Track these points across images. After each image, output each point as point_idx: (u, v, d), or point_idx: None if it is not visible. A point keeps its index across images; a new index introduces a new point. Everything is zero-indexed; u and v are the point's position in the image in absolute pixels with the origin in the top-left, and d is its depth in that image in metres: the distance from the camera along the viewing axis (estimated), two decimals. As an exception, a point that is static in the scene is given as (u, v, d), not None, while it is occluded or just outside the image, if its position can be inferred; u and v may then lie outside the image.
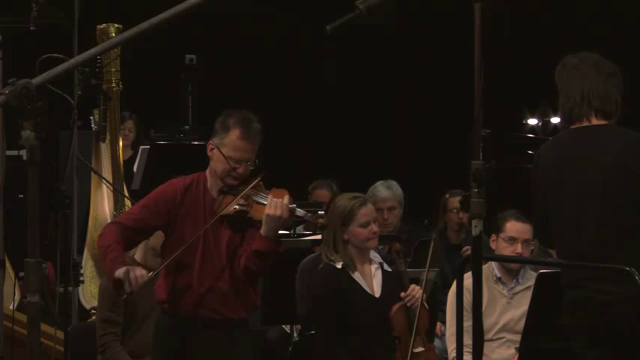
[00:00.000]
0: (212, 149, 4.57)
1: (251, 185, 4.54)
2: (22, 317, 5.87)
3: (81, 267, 6.58)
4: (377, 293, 5.29)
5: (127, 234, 4.54)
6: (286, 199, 4.45)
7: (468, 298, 4.26)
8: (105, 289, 5.43)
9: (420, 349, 5.29)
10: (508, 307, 5.56)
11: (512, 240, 5.54)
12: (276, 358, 6.39)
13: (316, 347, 5.30)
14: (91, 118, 7.06)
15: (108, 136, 6.91)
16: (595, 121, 4.22)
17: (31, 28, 5.70)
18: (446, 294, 5.72)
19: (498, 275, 5.60)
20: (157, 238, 4.90)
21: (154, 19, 2.98)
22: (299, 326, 6.29)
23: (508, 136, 7.86)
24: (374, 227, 5.29)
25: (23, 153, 3.97)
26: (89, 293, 6.79)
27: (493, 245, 5.62)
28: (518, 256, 5.54)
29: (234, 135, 4.53)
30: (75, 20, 6.40)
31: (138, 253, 5.42)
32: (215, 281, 4.54)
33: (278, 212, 4.41)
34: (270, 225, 4.43)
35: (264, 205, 4.47)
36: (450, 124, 10.75)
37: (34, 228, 2.89)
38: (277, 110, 11.26)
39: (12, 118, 5.50)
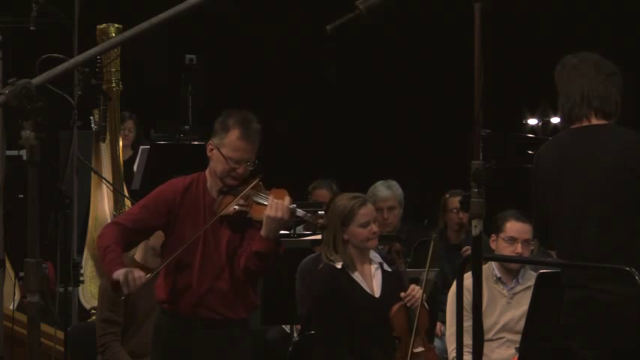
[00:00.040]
0: (212, 149, 4.57)
1: (251, 186, 4.53)
2: (22, 317, 5.87)
3: (81, 267, 6.58)
4: (377, 293, 5.30)
5: (127, 234, 4.55)
6: (286, 200, 4.45)
7: (468, 298, 4.26)
8: (105, 289, 5.43)
9: (420, 349, 5.29)
10: (508, 307, 5.56)
11: (512, 240, 5.54)
12: (276, 358, 6.39)
13: (316, 347, 5.30)
14: (91, 118, 7.06)
15: (108, 136, 6.91)
16: (595, 121, 4.23)
17: (31, 28, 5.70)
18: (446, 294, 5.72)
19: (498, 275, 5.60)
20: (157, 238, 4.90)
21: (154, 19, 2.98)
22: (299, 326, 6.29)
23: (508, 136, 7.87)
24: (374, 227, 5.29)
25: (23, 153, 3.97)
26: (89, 293, 6.79)
27: (493, 245, 5.62)
28: (518, 256, 5.54)
29: (233, 135, 4.52)
30: (75, 20, 6.40)
31: (138, 253, 5.42)
32: (215, 281, 4.54)
33: (279, 214, 4.41)
34: (271, 226, 4.43)
35: (264, 205, 4.47)
36: (450, 124, 10.76)
37: (34, 228, 2.89)
38: (277, 110, 11.27)
39: (12, 118, 5.50)
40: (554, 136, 4.56)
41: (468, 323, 3.81)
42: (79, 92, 5.97)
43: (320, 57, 11.81)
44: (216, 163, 4.56)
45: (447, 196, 7.36)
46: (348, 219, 5.26)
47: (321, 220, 4.62)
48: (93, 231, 6.83)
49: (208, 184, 4.61)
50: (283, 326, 6.61)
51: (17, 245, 5.98)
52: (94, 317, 6.28)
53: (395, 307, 5.26)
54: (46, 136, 2.84)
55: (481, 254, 3.45)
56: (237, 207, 4.51)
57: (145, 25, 2.98)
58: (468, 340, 3.78)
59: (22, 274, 5.66)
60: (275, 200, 4.44)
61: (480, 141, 3.40)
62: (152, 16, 2.99)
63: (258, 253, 4.45)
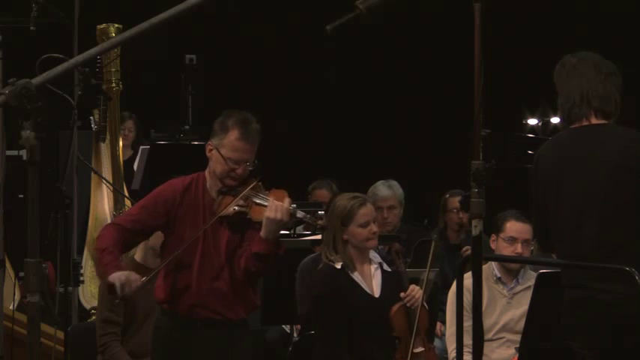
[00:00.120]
0: (211, 150, 4.57)
1: (250, 186, 4.53)
2: (22, 317, 5.87)
3: (81, 267, 6.58)
4: (376, 293, 5.29)
5: (126, 236, 4.55)
6: (286, 201, 4.44)
7: (468, 298, 4.25)
8: (105, 289, 5.42)
9: (420, 349, 5.29)
10: (508, 307, 5.56)
11: (512, 240, 5.54)
12: (276, 358, 6.39)
13: (316, 347, 5.30)
14: (91, 118, 7.06)
15: (108, 136, 6.91)
16: (595, 121, 4.22)
17: (31, 28, 5.69)
18: (446, 294, 5.72)
19: (498, 275, 5.60)
20: (157, 238, 4.90)
21: (154, 19, 2.98)
22: (299, 326, 6.29)
23: (508, 136, 7.87)
24: (373, 227, 5.29)
25: (23, 153, 3.96)
26: (89, 293, 6.79)
27: (493, 245, 5.62)
28: (518, 256, 5.54)
29: (233, 136, 4.52)
30: (75, 20, 6.40)
31: (138, 254, 5.42)
32: (214, 281, 4.54)
33: (278, 215, 4.41)
34: (270, 227, 4.43)
35: (264, 206, 4.46)
36: (450, 124, 10.76)
37: (34, 228, 2.88)
38: (277, 110, 11.28)
39: (12, 118, 5.51)
40: (554, 136, 4.56)
41: (468, 323, 3.81)
42: (79, 92, 5.97)
43: (320, 57, 11.82)
44: (216, 164, 4.55)
45: (447, 196, 7.36)
46: (347, 219, 5.26)
47: (320, 222, 4.62)
48: (93, 231, 6.83)
49: (208, 184, 4.61)
50: (283, 326, 6.61)
51: (17, 245, 5.98)
52: (94, 317, 6.28)
53: (395, 307, 5.26)
54: (46, 136, 2.84)
55: (481, 254, 3.44)
56: (236, 208, 4.51)
57: (145, 25, 2.98)
58: (468, 340, 3.78)
59: (22, 274, 5.67)
60: (275, 202, 4.43)
61: (480, 141, 3.40)
62: (152, 16, 2.99)
63: (257, 254, 4.45)
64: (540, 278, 4.73)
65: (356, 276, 5.27)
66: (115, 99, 6.80)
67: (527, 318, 4.79)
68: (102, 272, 4.48)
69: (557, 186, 4.20)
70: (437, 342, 6.37)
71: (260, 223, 4.44)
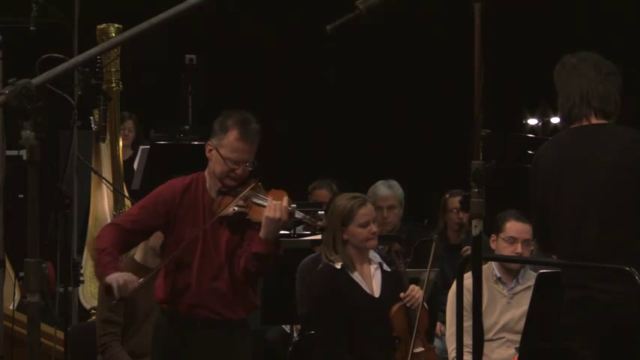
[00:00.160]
0: (210, 150, 4.56)
1: (250, 187, 4.53)
2: (22, 317, 5.87)
3: (81, 267, 6.58)
4: (376, 293, 5.29)
5: (125, 236, 4.55)
6: (286, 201, 4.44)
7: (468, 298, 4.25)
8: (103, 289, 5.43)
9: (420, 349, 5.29)
10: (508, 307, 5.56)
11: (513, 240, 5.53)
12: (276, 358, 6.39)
13: (316, 347, 5.30)
14: (91, 118, 7.06)
15: (108, 136, 6.91)
16: (595, 121, 4.22)
17: (31, 28, 5.70)
18: (446, 294, 5.72)
19: (498, 275, 5.60)
20: (157, 238, 4.90)
21: (154, 19, 2.97)
22: (299, 326, 6.29)
23: (508, 136, 7.87)
24: (373, 227, 5.29)
25: (23, 153, 3.97)
26: (89, 293, 6.79)
27: (493, 245, 5.62)
28: (518, 256, 5.54)
29: (232, 136, 4.51)
30: (75, 20, 6.40)
31: (138, 254, 5.42)
32: (214, 281, 4.54)
33: (277, 215, 4.40)
34: (270, 228, 4.42)
35: (264, 206, 4.46)
36: (450, 124, 10.76)
37: (34, 228, 2.88)
38: (277, 110, 11.27)
39: (12, 118, 5.50)
40: (554, 136, 4.56)
41: (468, 323, 3.80)
42: (79, 92, 5.97)
43: (320, 57, 11.82)
44: (215, 164, 4.55)
45: (447, 196, 7.36)
46: (347, 219, 5.26)
47: (320, 222, 4.62)
48: (93, 231, 6.83)
49: (207, 184, 4.60)
50: (283, 326, 6.61)
51: (17, 245, 5.98)
52: (94, 317, 6.28)
53: (395, 308, 5.26)
54: (46, 136, 2.84)
55: (481, 254, 3.44)
56: (236, 208, 4.51)
57: (145, 25, 2.98)
58: (468, 340, 3.78)
59: (22, 274, 5.67)
60: (274, 202, 4.43)
61: (480, 141, 3.40)
62: (152, 16, 2.99)
63: (257, 254, 4.45)
64: (540, 278, 4.73)
65: (356, 276, 5.27)
66: (115, 99, 6.80)
67: (527, 318, 4.79)
68: (99, 273, 4.49)
69: (557, 186, 4.20)
70: (437, 342, 6.37)
71: (259, 224, 4.44)
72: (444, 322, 6.13)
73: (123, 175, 6.99)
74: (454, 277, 5.58)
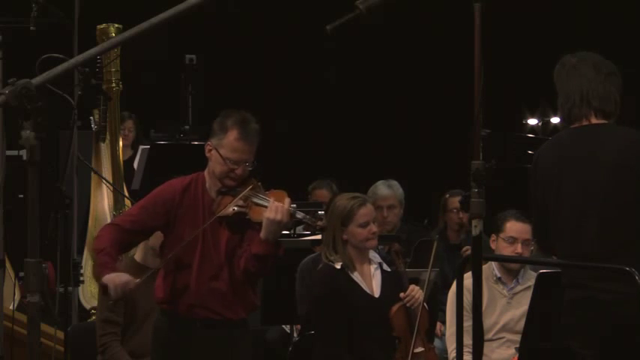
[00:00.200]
0: (210, 150, 4.56)
1: (249, 187, 4.52)
2: (22, 317, 5.87)
3: (81, 267, 6.58)
4: (376, 293, 5.29)
5: (124, 236, 4.55)
6: (286, 202, 4.44)
7: (468, 298, 4.25)
8: (100, 289, 5.42)
9: (420, 349, 5.29)
10: (508, 307, 5.56)
11: (513, 240, 5.53)
12: (276, 358, 6.39)
13: (316, 347, 5.30)
14: (91, 118, 7.06)
15: (108, 136, 6.91)
16: (595, 121, 4.22)
17: (31, 28, 5.70)
18: (446, 294, 5.72)
19: (498, 275, 5.60)
20: (157, 238, 4.90)
21: (154, 19, 2.97)
22: (299, 326, 6.29)
23: (508, 136, 7.87)
24: (373, 227, 5.29)
25: (23, 153, 3.97)
26: (89, 293, 6.79)
27: (493, 245, 5.62)
28: (518, 256, 5.54)
29: (232, 136, 4.51)
30: (75, 20, 6.40)
31: (138, 254, 5.42)
32: (214, 281, 4.54)
33: (278, 216, 4.40)
34: (270, 229, 4.42)
35: (263, 206, 4.46)
36: (450, 123, 10.76)
37: (34, 228, 2.88)
38: (277, 110, 11.27)
39: (12, 118, 5.50)
40: (554, 136, 4.56)
41: (468, 323, 3.80)
42: (79, 92, 5.97)
43: (320, 57, 11.82)
44: (215, 164, 4.55)
45: (447, 196, 7.36)
46: (347, 219, 5.26)
47: (320, 223, 4.62)
48: (93, 231, 6.83)
49: (207, 184, 4.60)
50: (283, 326, 6.61)
51: (17, 245, 5.98)
52: (94, 317, 6.28)
53: (395, 308, 5.26)
54: (46, 136, 2.84)
55: (481, 254, 3.44)
56: (236, 208, 4.50)
57: (145, 25, 2.98)
58: (468, 340, 3.78)
59: (22, 274, 5.67)
60: (275, 202, 4.43)
61: (480, 141, 3.40)
62: (152, 16, 2.99)
63: (257, 255, 4.44)
64: (540, 278, 4.73)
65: (356, 276, 5.27)
66: (115, 99, 6.80)
67: (527, 318, 4.79)
68: (97, 273, 4.50)
69: (557, 186, 4.20)
70: (437, 342, 6.37)
71: (259, 224, 4.44)
72: (444, 322, 6.14)
73: (123, 175, 6.99)
74: (454, 277, 5.59)
